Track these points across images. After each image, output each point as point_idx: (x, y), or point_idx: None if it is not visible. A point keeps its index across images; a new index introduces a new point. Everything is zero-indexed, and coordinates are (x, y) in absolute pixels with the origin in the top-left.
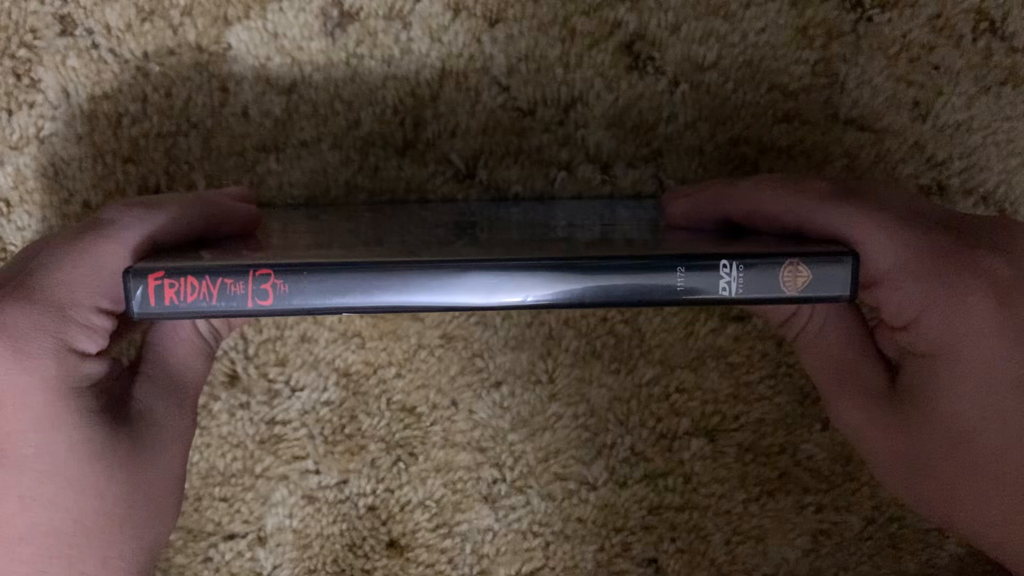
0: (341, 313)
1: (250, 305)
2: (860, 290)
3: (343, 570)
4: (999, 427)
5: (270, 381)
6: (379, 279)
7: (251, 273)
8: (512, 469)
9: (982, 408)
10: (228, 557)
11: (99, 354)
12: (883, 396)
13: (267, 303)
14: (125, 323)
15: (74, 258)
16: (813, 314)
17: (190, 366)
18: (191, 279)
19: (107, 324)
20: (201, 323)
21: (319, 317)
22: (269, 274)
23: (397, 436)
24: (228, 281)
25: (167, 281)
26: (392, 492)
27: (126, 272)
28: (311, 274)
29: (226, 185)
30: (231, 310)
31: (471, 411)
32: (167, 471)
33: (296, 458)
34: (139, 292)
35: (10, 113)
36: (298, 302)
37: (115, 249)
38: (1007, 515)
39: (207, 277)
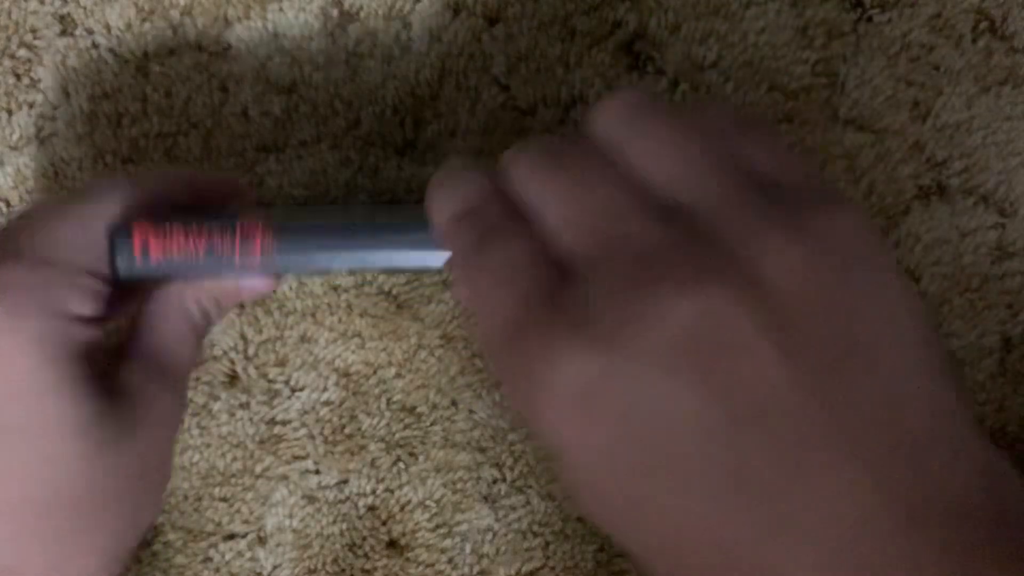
0: (330, 272)
1: (237, 262)
2: None
3: (343, 570)
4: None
5: (270, 381)
6: (368, 239)
7: (238, 227)
8: (512, 469)
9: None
10: (228, 557)
11: (91, 321)
12: None
13: (255, 257)
14: (116, 298)
15: (62, 220)
16: None
17: (179, 347)
18: (177, 232)
19: (97, 287)
20: (191, 304)
21: (319, 317)
22: (256, 228)
23: (397, 436)
24: (216, 237)
25: (152, 234)
26: (392, 492)
27: (112, 229)
28: (300, 232)
29: None
30: (219, 268)
31: (471, 411)
32: (153, 453)
33: (296, 458)
34: (125, 249)
35: (10, 113)
36: (286, 260)
37: (102, 211)
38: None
39: (194, 228)
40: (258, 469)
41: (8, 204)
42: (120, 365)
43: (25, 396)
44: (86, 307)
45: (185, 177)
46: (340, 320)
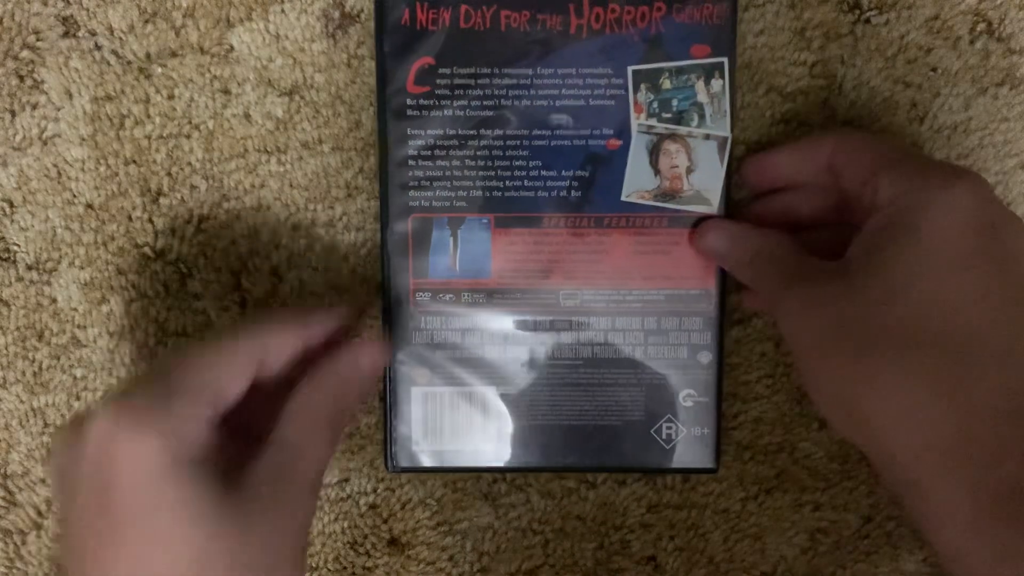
0: None
1: None
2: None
3: (344, 568)
4: (930, 290)
5: None
6: None
7: None
8: None
9: (921, 269)
10: None
11: (202, 442)
12: (823, 273)
13: None
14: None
15: (200, 355)
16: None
17: (312, 443)
18: None
19: (208, 410)
20: (333, 401)
21: None
22: None
23: None
24: None
25: None
26: (393, 491)
27: None
28: None
29: (230, 189)
30: None
31: None
32: (276, 545)
33: None
34: None
35: (13, 114)
36: None
37: (236, 359)
38: (912, 400)
39: None
40: None
41: (11, 205)
42: (253, 461)
43: (149, 491)
44: (200, 426)
45: (305, 333)
46: None
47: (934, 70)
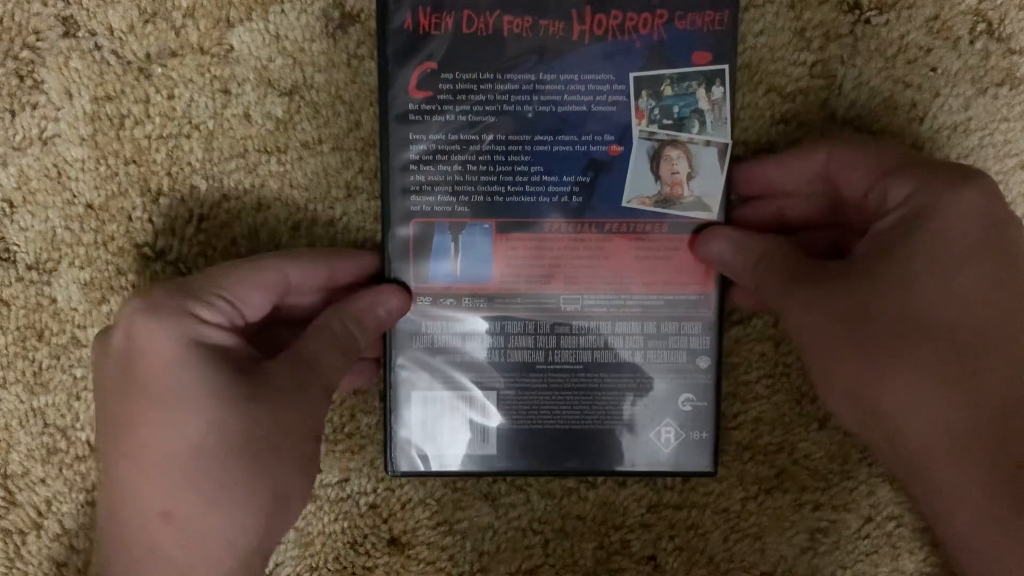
0: None
1: None
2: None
3: (344, 567)
4: (940, 283)
5: None
6: None
7: None
8: None
9: (931, 263)
10: None
11: (220, 327)
12: (828, 272)
13: None
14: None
15: (222, 273)
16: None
17: (325, 357)
18: None
19: (225, 307)
20: (335, 323)
21: None
22: None
23: None
24: None
25: None
26: (393, 491)
27: None
28: None
29: (229, 186)
30: None
31: None
32: (285, 427)
33: None
34: None
35: (13, 114)
36: None
37: (258, 276)
38: (925, 389)
39: None
40: None
41: (11, 205)
42: (271, 359)
43: (170, 370)
44: (213, 316)
45: (329, 267)
46: None
47: (934, 70)
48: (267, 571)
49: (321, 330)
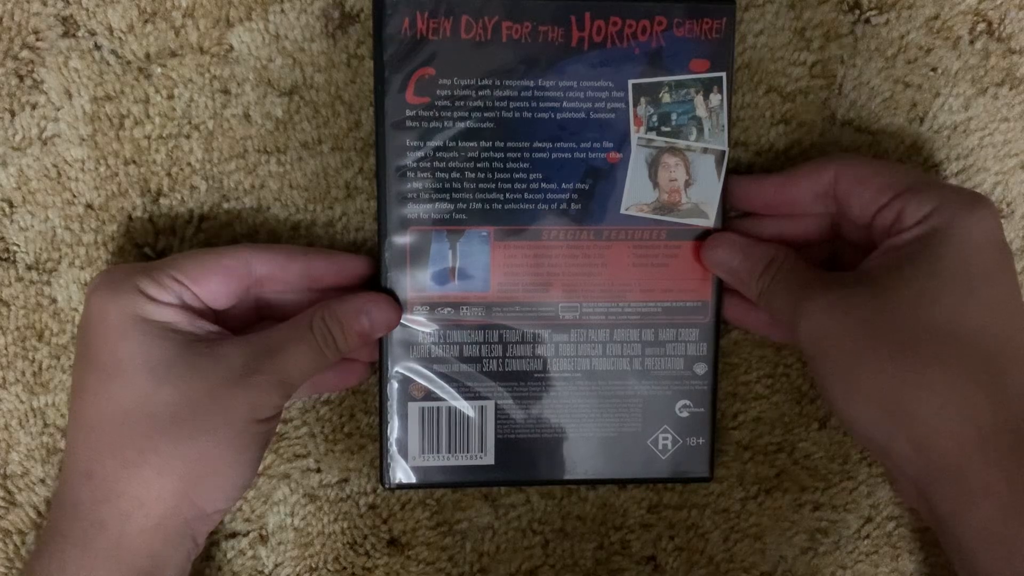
0: None
1: None
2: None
3: (344, 568)
4: (964, 296)
5: None
6: None
7: None
8: None
9: (955, 276)
10: (230, 555)
11: (169, 304)
12: (844, 281)
13: None
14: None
15: (189, 258)
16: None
17: (294, 349)
18: None
19: (175, 287)
20: (316, 319)
21: None
22: None
23: None
24: None
25: None
26: (392, 490)
27: None
28: None
29: (228, 186)
30: None
31: None
32: (220, 410)
33: (297, 456)
34: None
35: (13, 114)
36: None
37: (221, 263)
38: (955, 390)
39: None
40: (260, 467)
41: (11, 205)
42: (227, 339)
43: (113, 340)
44: (161, 295)
45: (305, 263)
46: None
47: (934, 70)
48: (266, 571)
49: (298, 323)
